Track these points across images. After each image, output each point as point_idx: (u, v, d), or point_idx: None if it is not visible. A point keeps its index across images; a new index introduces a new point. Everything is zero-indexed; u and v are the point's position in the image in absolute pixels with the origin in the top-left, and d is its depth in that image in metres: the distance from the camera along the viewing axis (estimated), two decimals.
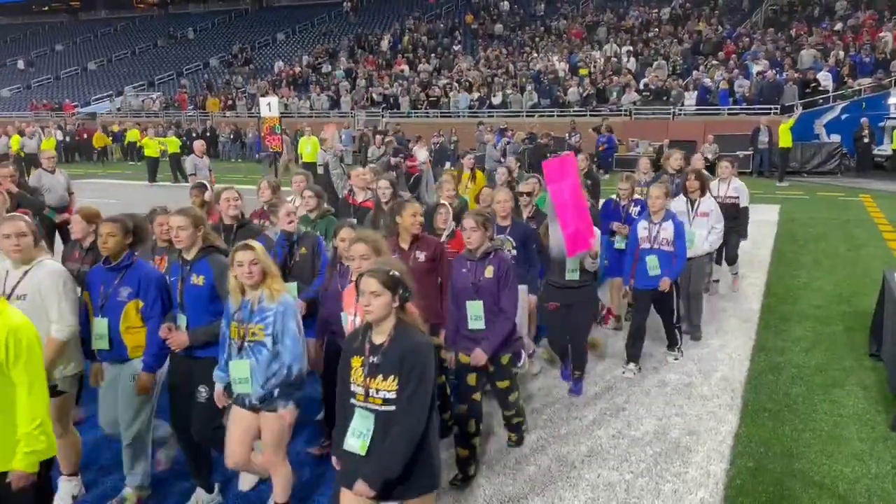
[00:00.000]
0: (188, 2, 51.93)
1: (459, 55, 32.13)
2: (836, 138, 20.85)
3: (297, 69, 35.10)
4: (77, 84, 41.89)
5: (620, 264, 6.86)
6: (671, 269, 6.27)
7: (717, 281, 8.82)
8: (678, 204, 7.08)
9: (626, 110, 24.40)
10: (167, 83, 39.13)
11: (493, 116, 25.69)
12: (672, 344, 6.69)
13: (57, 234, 9.06)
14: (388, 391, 3.08)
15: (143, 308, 4.24)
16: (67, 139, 29.02)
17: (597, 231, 5.69)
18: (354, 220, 6.44)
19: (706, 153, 20.62)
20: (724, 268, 8.95)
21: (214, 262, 4.22)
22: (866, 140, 19.74)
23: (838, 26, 25.83)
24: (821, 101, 21.59)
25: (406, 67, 32.01)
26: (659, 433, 5.24)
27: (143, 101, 36.37)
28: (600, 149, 21.83)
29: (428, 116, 27.77)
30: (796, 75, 22.45)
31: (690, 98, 23.62)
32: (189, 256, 4.27)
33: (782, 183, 18.69)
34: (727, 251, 8.64)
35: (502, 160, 18.92)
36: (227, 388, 3.98)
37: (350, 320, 4.15)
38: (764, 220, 13.24)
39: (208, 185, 7.43)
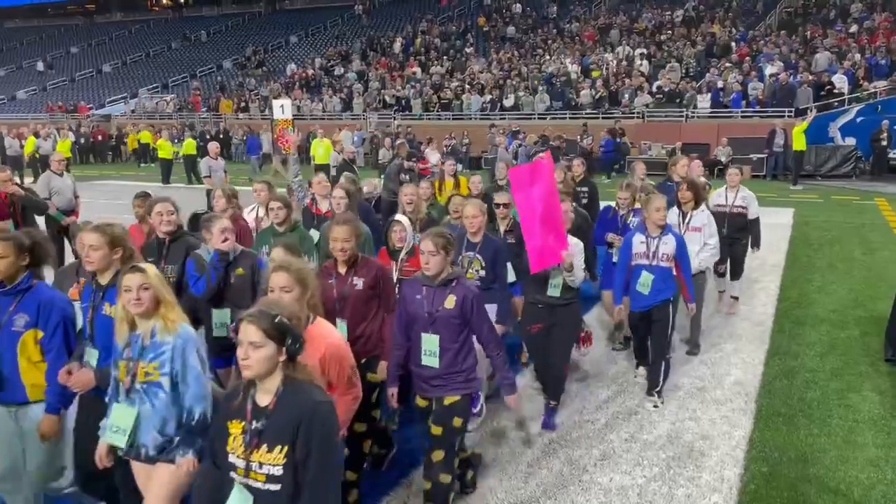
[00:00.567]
0: (202, 5, 52.26)
1: (472, 57, 32.15)
2: (850, 141, 20.71)
3: (310, 71, 35.23)
4: (92, 86, 42.24)
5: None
6: (689, 290, 5.82)
7: (726, 293, 8.26)
8: (669, 217, 6.26)
9: (638, 113, 24.34)
10: (181, 85, 39.38)
11: (504, 119, 25.70)
12: (653, 386, 5.80)
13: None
14: (274, 465, 2.53)
15: (42, 339, 3.67)
16: (82, 141, 29.28)
17: (577, 242, 5.17)
18: (313, 233, 6.02)
19: (720, 156, 20.64)
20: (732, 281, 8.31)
21: None
22: (884, 143, 19.59)
23: (853, 28, 25.67)
24: (836, 103, 21.44)
25: (418, 70, 32.07)
26: (672, 437, 5.21)
27: (156, 103, 36.64)
28: (599, 151, 21.81)
29: (440, 119, 27.80)
30: (811, 78, 22.31)
31: (704, 101, 23.53)
32: (103, 281, 3.73)
33: (796, 186, 18.57)
34: (732, 266, 8.03)
35: (514, 162, 18.95)
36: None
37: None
38: (778, 224, 13.16)
39: (151, 194, 7.01)
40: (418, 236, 5.94)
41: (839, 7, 27.83)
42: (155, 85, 39.83)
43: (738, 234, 7.83)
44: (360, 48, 36.75)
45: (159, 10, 54.13)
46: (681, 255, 5.71)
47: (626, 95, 25.17)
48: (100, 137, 30.11)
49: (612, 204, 7.12)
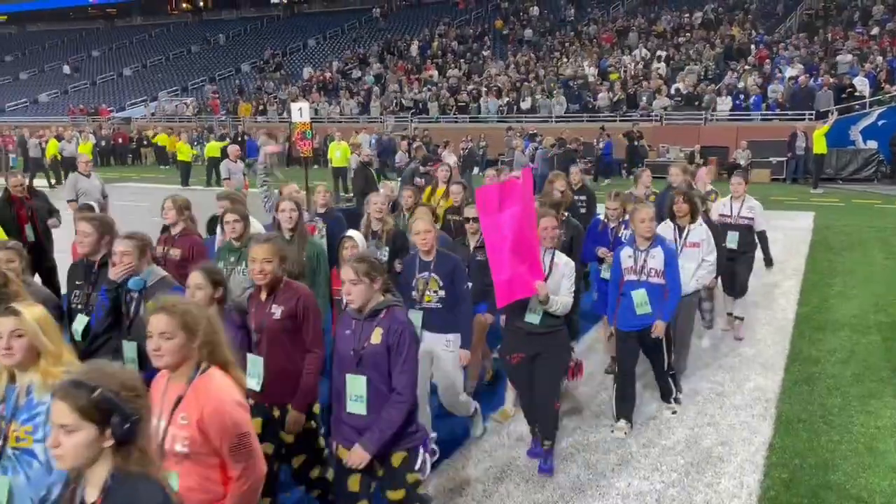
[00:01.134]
0: (221, 8, 52.70)
1: (489, 60, 32.17)
2: (872, 144, 20.44)
3: (328, 75, 35.41)
4: (112, 89, 42.70)
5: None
6: (663, 307, 5.21)
7: (732, 315, 7.55)
8: (665, 231, 5.95)
9: (656, 115, 24.22)
10: (200, 88, 39.73)
11: (521, 122, 25.67)
12: (666, 394, 5.65)
13: None
14: None
15: None
16: (103, 143, 29.64)
17: (567, 262, 4.74)
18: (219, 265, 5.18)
19: (739, 159, 20.49)
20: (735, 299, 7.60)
21: None
22: None
23: (875, 31, 25.39)
24: (857, 106, 21.22)
25: (435, 73, 32.14)
26: (690, 442, 5.18)
27: (176, 106, 37.00)
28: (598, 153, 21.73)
29: (456, 122, 27.83)
30: (832, 80, 22.10)
31: (723, 103, 23.37)
32: None
33: (816, 190, 18.39)
34: (736, 283, 7.37)
35: (530, 164, 18.94)
36: None
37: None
38: (798, 228, 13.06)
39: (96, 207, 6.55)
40: (385, 249, 5.80)
41: (860, 9, 27.54)
42: (174, 88, 40.21)
43: (744, 248, 7.22)
44: (377, 51, 36.87)
45: (179, 13, 54.60)
46: (669, 269, 5.23)
47: (644, 98, 25.06)
48: (120, 140, 30.43)
49: (601, 216, 6.69)
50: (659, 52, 28.02)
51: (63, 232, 6.07)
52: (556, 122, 25.38)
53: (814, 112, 21.34)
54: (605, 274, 6.16)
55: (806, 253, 11.20)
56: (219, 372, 2.68)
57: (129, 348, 4.04)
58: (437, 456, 4.59)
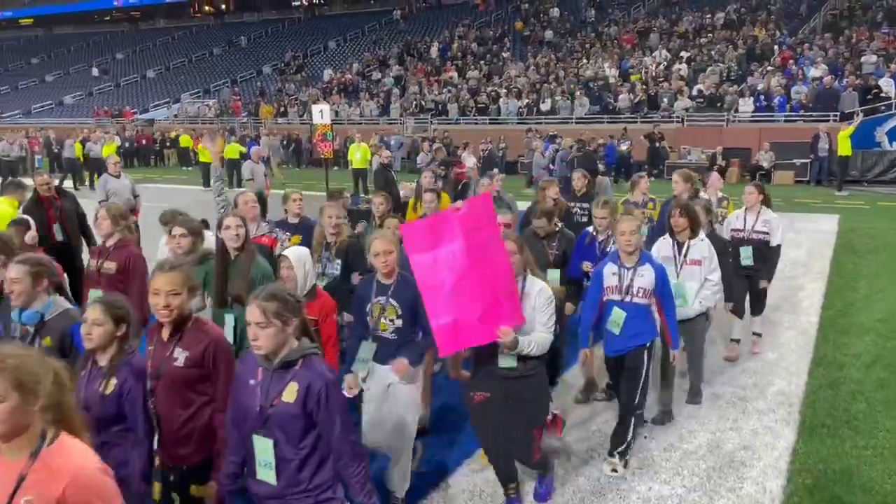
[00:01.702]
0: (243, 11, 53.15)
1: (508, 62, 32.13)
2: None
3: (348, 76, 35.57)
4: (136, 91, 43.22)
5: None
6: (672, 335, 4.81)
7: (737, 341, 6.94)
8: (663, 247, 5.54)
9: (678, 117, 24.05)
10: (222, 90, 40.10)
11: (541, 123, 25.61)
12: (617, 444, 4.77)
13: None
14: None
15: None
16: (126, 145, 30.02)
17: (542, 291, 3.97)
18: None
19: (762, 161, 20.29)
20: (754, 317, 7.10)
21: None
22: None
23: None
24: (882, 107, 20.91)
25: (455, 74, 32.17)
26: (712, 447, 5.13)
27: (198, 107, 37.38)
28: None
29: (476, 123, 27.83)
30: (857, 81, 21.82)
31: (745, 104, 23.15)
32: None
33: (841, 192, 18.16)
34: (752, 301, 6.90)
35: (551, 166, 18.88)
36: None
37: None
38: (822, 231, 12.92)
39: (31, 224, 6.38)
40: (336, 263, 5.15)
41: (886, 9, 27.16)
42: (197, 90, 40.62)
43: (759, 264, 6.68)
44: (397, 53, 36.99)
45: (201, 16, 55.13)
46: (662, 289, 4.70)
47: (666, 99, 24.91)
48: (143, 141, 30.81)
49: (590, 228, 6.14)
50: (681, 53, 27.83)
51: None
52: (577, 123, 25.29)
53: (838, 113, 21.07)
54: None
55: (830, 256, 11.06)
56: (70, 438, 2.18)
57: None
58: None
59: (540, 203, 7.07)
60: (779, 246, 6.76)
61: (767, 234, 6.65)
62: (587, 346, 4.97)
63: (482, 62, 32.88)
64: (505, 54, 33.20)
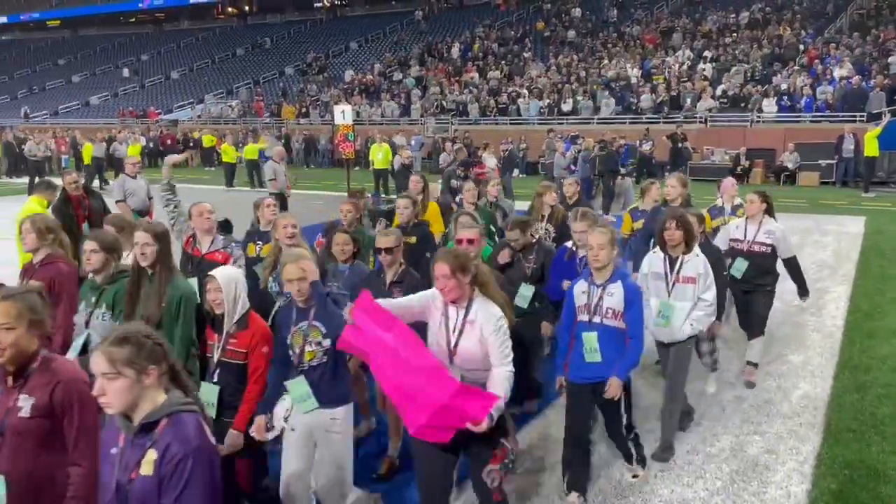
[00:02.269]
0: (266, 12, 53.59)
1: (530, 62, 32.07)
2: None
3: (369, 77, 35.72)
4: (160, 92, 43.77)
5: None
6: (622, 361, 4.16)
7: (755, 365, 6.30)
8: (654, 262, 4.99)
9: (701, 117, 23.85)
10: (244, 91, 40.45)
11: (563, 123, 25.53)
12: (628, 457, 4.63)
13: None
14: None
15: None
16: (151, 145, 30.39)
17: (495, 311, 3.43)
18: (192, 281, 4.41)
19: (786, 162, 20.06)
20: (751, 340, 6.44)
21: None
22: None
23: None
24: None
25: (476, 75, 32.17)
26: (736, 450, 5.08)
27: (221, 108, 37.76)
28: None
29: (497, 124, 27.81)
30: (885, 81, 21.49)
31: (770, 105, 22.89)
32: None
33: (868, 194, 17.90)
34: (750, 321, 6.25)
35: (573, 167, 18.80)
36: None
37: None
38: (848, 233, 12.75)
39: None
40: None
41: None
42: (220, 91, 41.02)
43: (759, 280, 6.06)
44: (418, 54, 37.08)
45: (225, 18, 55.68)
46: (630, 310, 4.17)
47: (689, 100, 24.71)
48: (168, 142, 31.15)
49: (569, 244, 5.53)
50: (704, 53, 27.60)
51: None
52: (598, 123, 25.19)
53: (865, 114, 20.77)
54: None
55: (856, 259, 10.90)
56: None
57: None
58: None
59: (535, 209, 6.95)
60: (793, 258, 6.22)
61: (771, 246, 6.06)
62: (562, 373, 4.43)
63: (503, 62, 32.85)
64: (526, 54, 33.14)
